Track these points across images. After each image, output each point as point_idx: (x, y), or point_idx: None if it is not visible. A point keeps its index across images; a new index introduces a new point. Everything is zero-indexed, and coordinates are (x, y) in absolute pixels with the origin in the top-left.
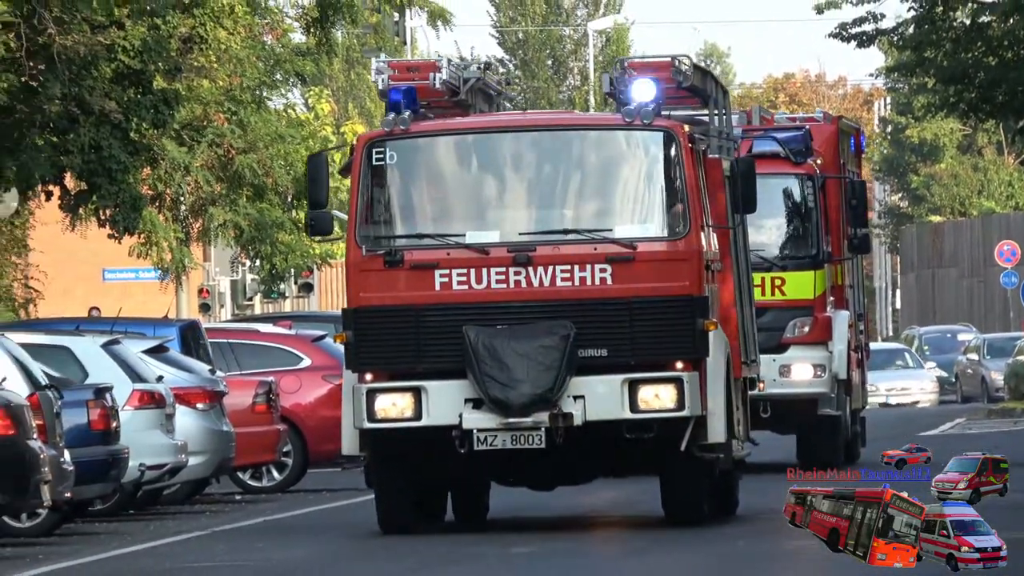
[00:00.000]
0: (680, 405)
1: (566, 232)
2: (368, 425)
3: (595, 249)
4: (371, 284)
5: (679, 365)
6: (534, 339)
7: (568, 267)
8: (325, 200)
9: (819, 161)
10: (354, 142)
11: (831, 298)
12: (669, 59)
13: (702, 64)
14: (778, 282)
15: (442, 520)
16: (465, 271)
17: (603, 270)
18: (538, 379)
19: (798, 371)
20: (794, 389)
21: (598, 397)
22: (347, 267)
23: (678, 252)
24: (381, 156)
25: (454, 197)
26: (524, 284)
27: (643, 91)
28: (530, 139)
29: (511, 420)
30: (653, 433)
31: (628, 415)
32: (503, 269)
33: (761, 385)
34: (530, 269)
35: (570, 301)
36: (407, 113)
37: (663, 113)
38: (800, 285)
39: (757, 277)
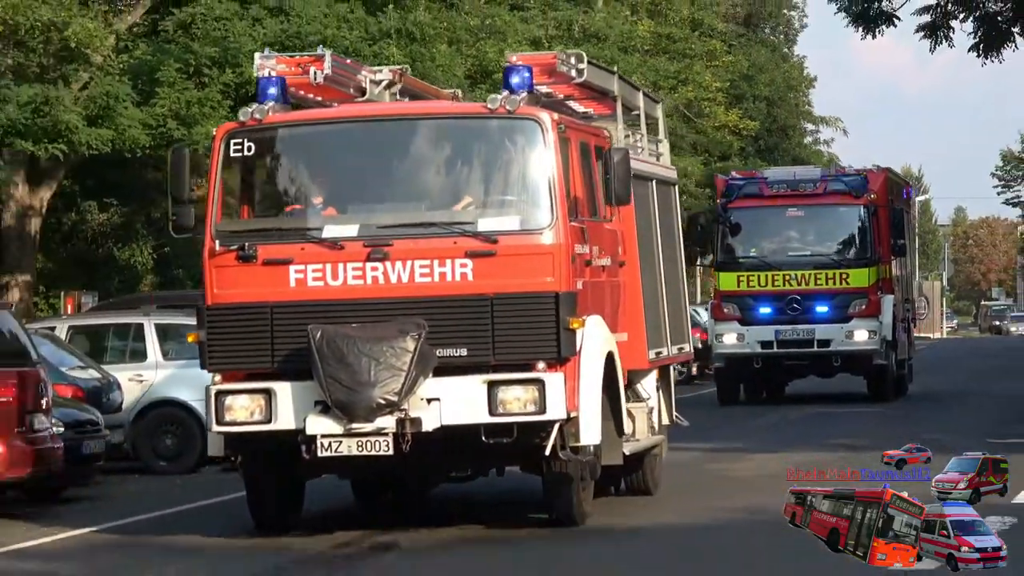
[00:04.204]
0: (542, 408)
1: (426, 226)
2: (217, 429)
3: (455, 243)
4: (225, 280)
5: (541, 366)
6: (383, 339)
7: (427, 262)
8: (187, 195)
9: (873, 196)
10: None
11: (881, 286)
12: (554, 54)
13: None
14: (844, 275)
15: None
16: (320, 267)
17: (463, 265)
18: (385, 382)
19: (858, 335)
20: (856, 347)
21: (455, 400)
22: (203, 262)
23: (542, 246)
24: (239, 147)
25: (311, 190)
26: (381, 280)
27: (516, 80)
28: (389, 129)
29: (355, 426)
30: (513, 437)
31: (487, 419)
32: (359, 265)
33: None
34: (387, 264)
35: (428, 298)
36: (268, 103)
37: (569, 102)
38: (859, 277)
39: (831, 272)
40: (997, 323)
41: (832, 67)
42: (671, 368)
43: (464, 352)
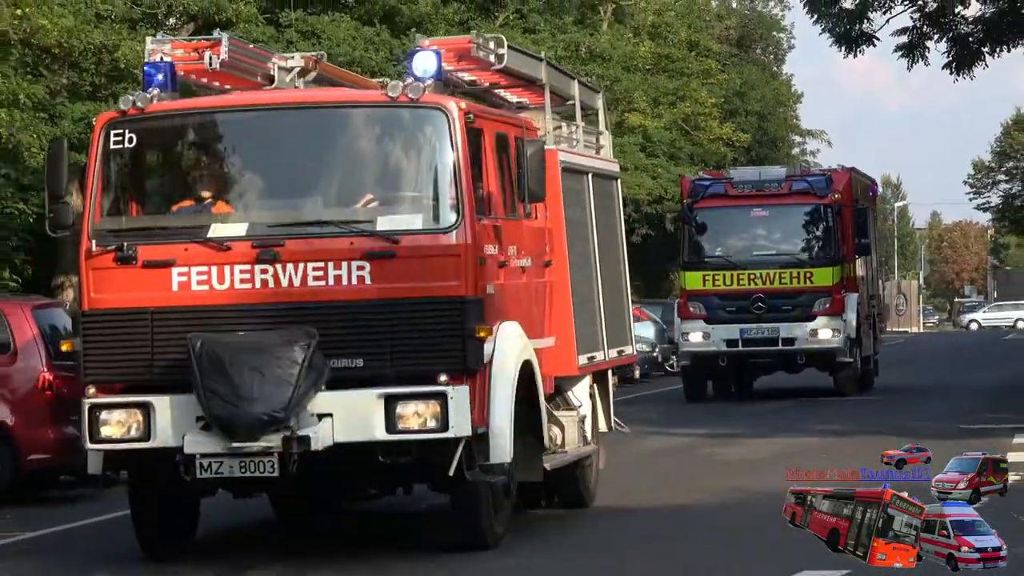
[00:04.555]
0: (443, 425)
1: (320, 224)
2: (92, 446)
3: (352, 244)
4: (103, 284)
5: (443, 378)
6: (269, 349)
7: (321, 265)
8: (64, 191)
9: (837, 196)
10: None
11: (845, 285)
12: (470, 37)
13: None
14: (808, 274)
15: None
16: (205, 269)
17: (360, 268)
18: (270, 396)
19: (823, 333)
20: (820, 345)
21: (350, 415)
22: (79, 264)
23: (447, 247)
24: (119, 139)
25: (197, 185)
26: (272, 284)
27: (423, 64)
28: (282, 119)
29: (236, 445)
30: (413, 456)
31: (385, 436)
32: (247, 267)
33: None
34: (278, 267)
35: (322, 304)
36: (153, 91)
37: (499, 91)
38: (823, 276)
39: (795, 271)
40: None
41: (818, 84)
42: (609, 373)
43: (360, 363)
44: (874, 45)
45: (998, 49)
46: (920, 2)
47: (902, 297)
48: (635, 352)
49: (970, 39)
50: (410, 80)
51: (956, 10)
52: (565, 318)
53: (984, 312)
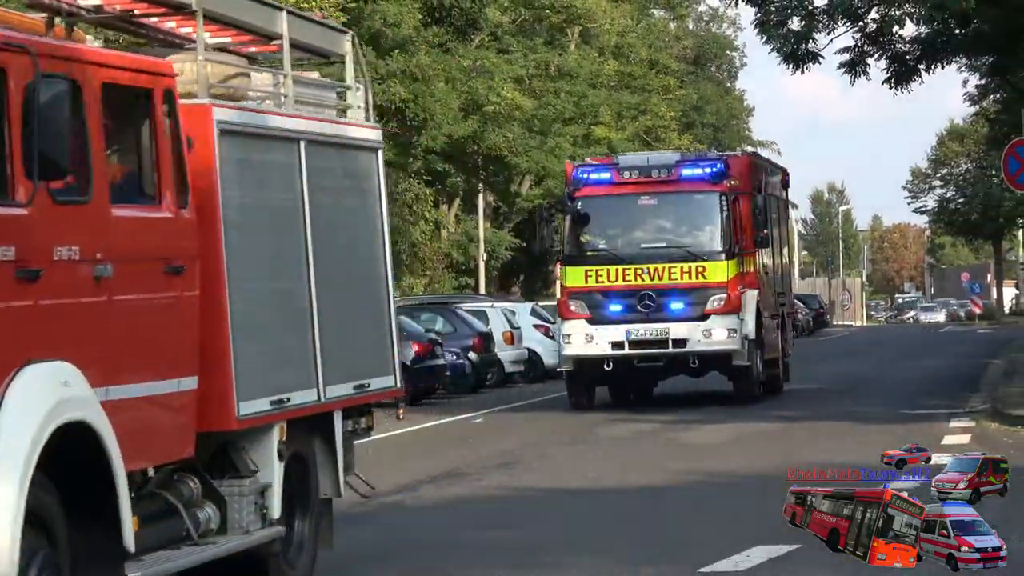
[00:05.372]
0: None
1: None
2: None
3: None
4: None
5: None
6: None
7: None
8: None
9: (734, 183)
10: None
11: (743, 280)
12: None
13: None
14: (701, 269)
15: None
16: None
17: None
18: None
19: (716, 333)
20: (713, 347)
21: None
22: None
23: None
24: None
25: None
26: None
27: None
28: None
29: None
30: None
31: None
32: None
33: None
34: None
35: None
36: None
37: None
38: (717, 271)
39: (686, 266)
40: (909, 312)
41: (768, 98)
42: (336, 417)
43: None
44: (819, 63)
45: (933, 66)
46: (861, 23)
47: (847, 293)
48: (399, 384)
49: (907, 57)
50: None
51: (894, 30)
52: (216, 348)
53: None
